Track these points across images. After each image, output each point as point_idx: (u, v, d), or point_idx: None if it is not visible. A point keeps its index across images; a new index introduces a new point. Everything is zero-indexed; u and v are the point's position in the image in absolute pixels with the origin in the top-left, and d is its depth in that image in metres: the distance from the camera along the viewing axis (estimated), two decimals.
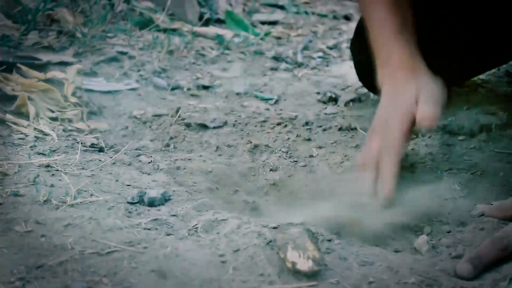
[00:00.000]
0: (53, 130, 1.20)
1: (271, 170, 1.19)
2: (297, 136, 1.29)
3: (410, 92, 1.08)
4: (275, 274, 0.80)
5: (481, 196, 1.04)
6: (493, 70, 1.58)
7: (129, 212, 0.94)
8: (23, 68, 1.37)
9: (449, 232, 0.92)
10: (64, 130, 1.23)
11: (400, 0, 1.17)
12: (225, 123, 1.33)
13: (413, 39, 1.16)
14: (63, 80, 1.37)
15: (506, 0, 1.24)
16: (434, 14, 1.31)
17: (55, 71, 1.41)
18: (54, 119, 1.26)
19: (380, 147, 1.05)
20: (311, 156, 1.22)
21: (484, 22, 1.31)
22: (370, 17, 1.19)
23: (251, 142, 1.24)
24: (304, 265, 0.79)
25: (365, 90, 1.58)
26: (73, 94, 1.37)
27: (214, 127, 1.32)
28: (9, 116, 1.22)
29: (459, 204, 1.01)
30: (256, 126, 1.34)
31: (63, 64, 1.52)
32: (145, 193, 0.99)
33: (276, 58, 1.88)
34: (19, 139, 1.16)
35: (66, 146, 1.15)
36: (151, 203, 0.98)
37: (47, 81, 1.35)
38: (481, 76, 1.55)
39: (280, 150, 1.23)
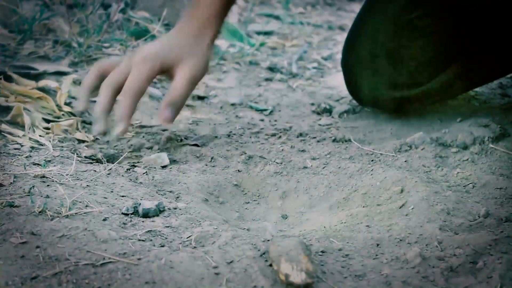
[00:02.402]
0: (48, 141, 1.20)
1: (265, 182, 1.19)
2: (291, 147, 1.30)
3: (182, 46, 1.22)
4: (269, 286, 0.80)
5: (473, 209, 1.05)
6: None
7: (124, 223, 0.95)
8: (14, 76, 1.38)
9: (441, 243, 0.93)
10: (59, 140, 1.23)
11: None
12: (220, 135, 1.34)
13: (223, 14, 1.28)
14: (56, 89, 1.37)
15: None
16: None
17: (47, 80, 1.41)
18: (49, 129, 1.26)
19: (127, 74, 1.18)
20: (305, 167, 1.22)
21: (487, 31, 1.32)
22: None
23: (245, 153, 1.25)
24: (298, 277, 0.80)
25: None
26: (68, 104, 1.38)
27: (209, 139, 1.32)
28: (4, 126, 1.22)
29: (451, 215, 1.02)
30: (250, 137, 1.35)
31: (59, 74, 1.52)
32: (140, 204, 0.99)
33: (271, 69, 1.88)
34: (15, 149, 1.16)
35: (61, 157, 1.15)
36: (146, 214, 0.98)
37: (40, 90, 1.36)
38: (475, 88, 1.56)
39: (274, 161, 1.24)
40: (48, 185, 1.02)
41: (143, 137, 1.31)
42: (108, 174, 1.12)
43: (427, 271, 0.86)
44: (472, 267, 0.88)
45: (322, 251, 0.90)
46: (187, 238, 0.92)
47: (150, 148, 1.27)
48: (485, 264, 0.88)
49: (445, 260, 0.89)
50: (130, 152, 1.24)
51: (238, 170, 1.21)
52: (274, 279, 0.81)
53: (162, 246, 0.89)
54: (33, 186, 0.99)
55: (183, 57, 1.22)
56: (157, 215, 0.99)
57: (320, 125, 1.44)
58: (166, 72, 1.22)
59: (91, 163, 1.17)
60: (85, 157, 1.18)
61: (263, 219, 1.11)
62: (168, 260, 0.83)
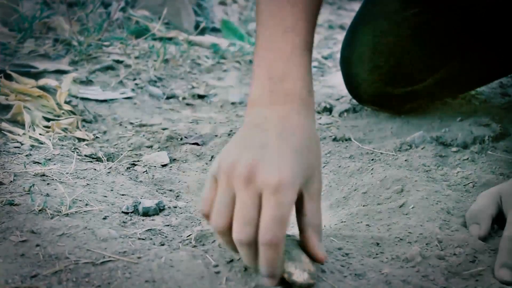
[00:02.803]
0: (48, 139, 1.20)
1: None
2: None
3: (303, 155, 0.81)
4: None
5: None
6: None
7: (124, 222, 0.95)
8: (14, 75, 1.38)
9: (441, 242, 0.93)
10: (59, 139, 1.23)
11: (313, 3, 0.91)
12: (220, 133, 1.34)
13: (310, 61, 0.89)
14: (56, 88, 1.37)
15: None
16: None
17: (47, 79, 1.41)
18: (49, 127, 1.26)
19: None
20: None
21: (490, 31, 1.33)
22: (269, 8, 0.90)
23: None
24: (300, 277, 0.79)
25: None
26: (69, 102, 1.38)
27: (209, 138, 1.32)
28: (4, 125, 1.22)
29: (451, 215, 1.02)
30: None
31: (59, 72, 1.53)
32: (140, 203, 0.99)
33: None
34: (15, 147, 1.16)
35: (61, 155, 1.15)
36: (146, 213, 0.98)
37: (40, 89, 1.36)
38: (476, 88, 1.56)
39: None
40: (48, 184, 1.02)
41: (143, 135, 1.31)
42: (108, 172, 1.12)
43: (427, 270, 0.86)
44: (472, 266, 0.88)
45: None
46: (187, 237, 0.92)
47: (150, 146, 1.27)
48: (484, 263, 0.88)
49: (445, 259, 0.89)
50: (130, 150, 1.24)
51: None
52: None
53: (162, 244, 0.89)
54: (33, 185, 0.99)
55: (311, 172, 0.82)
56: (157, 214, 0.99)
57: (320, 124, 1.44)
58: None
59: (91, 161, 1.17)
60: (85, 155, 1.18)
61: None
62: (168, 259, 0.83)
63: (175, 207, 1.02)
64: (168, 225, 0.95)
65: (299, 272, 0.80)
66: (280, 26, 0.88)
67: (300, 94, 0.85)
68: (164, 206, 1.01)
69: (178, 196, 1.09)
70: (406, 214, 1.01)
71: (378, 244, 0.92)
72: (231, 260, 0.84)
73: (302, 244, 0.83)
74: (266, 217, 0.76)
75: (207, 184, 0.82)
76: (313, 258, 0.82)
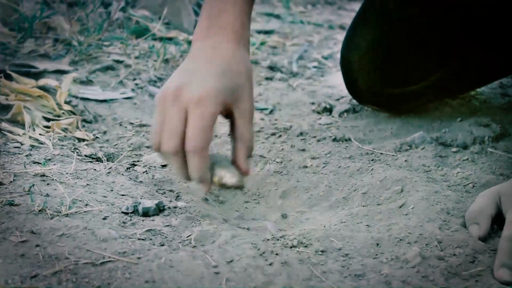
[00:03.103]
0: (48, 139, 1.20)
1: (265, 181, 1.19)
2: (291, 146, 1.30)
3: (233, 76, 0.94)
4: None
5: None
6: None
7: (124, 222, 0.95)
8: (14, 75, 1.38)
9: (440, 242, 0.93)
10: (59, 139, 1.23)
11: None
12: (220, 134, 1.34)
13: (248, 2, 1.01)
14: (56, 88, 1.37)
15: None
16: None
17: (47, 79, 1.41)
18: (49, 127, 1.26)
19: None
20: (305, 166, 1.22)
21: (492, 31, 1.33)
22: None
23: None
24: (230, 180, 0.92)
25: None
26: (69, 102, 1.38)
27: None
28: (4, 125, 1.22)
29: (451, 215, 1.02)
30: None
31: (59, 72, 1.52)
32: (140, 203, 0.99)
33: (271, 68, 1.88)
34: (15, 147, 1.16)
35: (61, 155, 1.15)
36: (146, 213, 0.98)
37: (40, 89, 1.36)
38: (476, 89, 1.56)
39: (274, 161, 1.24)
40: (48, 184, 1.02)
41: (143, 136, 1.31)
42: (108, 173, 1.12)
43: (426, 271, 0.86)
44: (471, 266, 0.88)
45: (322, 251, 0.90)
46: (187, 237, 0.92)
47: (150, 147, 1.26)
48: (484, 263, 0.88)
49: (444, 259, 0.89)
50: (130, 151, 1.24)
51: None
52: (273, 279, 0.81)
53: (162, 245, 0.89)
54: (33, 185, 0.99)
55: (239, 92, 0.94)
56: (157, 214, 0.99)
57: (320, 124, 1.44)
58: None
59: (91, 161, 1.17)
60: (85, 155, 1.18)
61: (263, 218, 1.11)
62: (168, 259, 0.83)
63: (175, 208, 1.02)
64: (168, 226, 0.95)
65: (229, 176, 0.92)
66: None
67: (233, 26, 0.98)
68: (164, 206, 1.01)
69: (178, 196, 1.09)
70: (406, 214, 1.01)
71: (378, 244, 0.92)
72: (231, 261, 0.84)
73: (232, 159, 0.96)
74: (190, 127, 0.89)
75: (154, 116, 0.94)
76: (239, 171, 0.94)
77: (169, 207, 1.01)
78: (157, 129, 0.92)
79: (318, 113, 1.53)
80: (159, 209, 1.00)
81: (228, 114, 0.95)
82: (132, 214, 0.98)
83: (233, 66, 0.95)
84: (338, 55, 2.07)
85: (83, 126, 1.32)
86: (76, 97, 1.41)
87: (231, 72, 0.94)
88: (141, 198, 1.02)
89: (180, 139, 0.90)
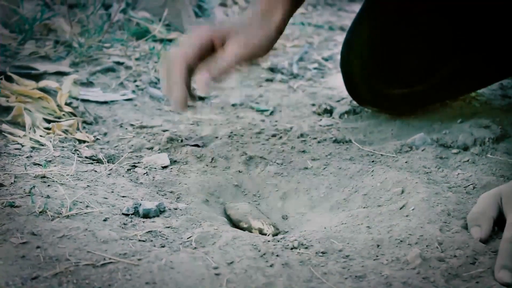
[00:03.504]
0: (49, 141, 1.20)
1: (266, 182, 1.19)
2: (292, 148, 1.30)
3: (242, 22, 1.19)
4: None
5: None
6: None
7: (124, 224, 0.95)
8: (15, 77, 1.38)
9: (441, 244, 0.93)
10: (60, 141, 1.23)
11: None
12: (221, 135, 1.34)
13: None
14: (56, 90, 1.38)
15: None
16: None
17: (48, 80, 1.41)
18: (50, 129, 1.26)
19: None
20: (306, 168, 1.22)
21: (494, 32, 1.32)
22: None
23: (246, 154, 1.25)
24: (269, 230, 1.03)
25: None
26: (69, 104, 1.38)
27: (210, 139, 1.32)
28: (5, 126, 1.22)
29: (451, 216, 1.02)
30: (251, 137, 1.35)
31: (60, 74, 1.53)
32: (140, 204, 0.99)
33: (272, 69, 1.88)
34: (15, 149, 1.16)
35: (62, 157, 1.15)
36: (146, 215, 0.98)
37: (41, 90, 1.36)
38: (476, 90, 1.56)
39: (275, 162, 1.24)
40: (48, 185, 1.02)
41: (144, 137, 1.31)
42: (109, 174, 1.12)
43: (427, 272, 0.86)
44: (472, 268, 0.88)
45: (323, 252, 0.90)
46: (188, 238, 0.92)
47: (151, 148, 1.27)
48: (485, 265, 0.88)
49: (445, 261, 0.89)
50: (130, 152, 1.24)
51: (239, 171, 1.21)
52: (273, 280, 0.81)
53: (163, 246, 0.89)
54: (34, 186, 0.99)
55: (239, 31, 1.16)
56: (158, 216, 0.99)
57: (320, 125, 1.44)
58: (218, 45, 1.16)
59: (92, 163, 1.17)
60: (86, 157, 1.18)
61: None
62: (168, 261, 0.83)
63: (176, 209, 1.02)
64: (168, 227, 0.95)
65: (267, 227, 1.03)
66: None
67: (264, 7, 1.21)
68: (164, 208, 1.01)
69: (178, 198, 1.09)
70: (407, 216, 1.01)
71: (378, 246, 0.92)
72: (232, 262, 0.84)
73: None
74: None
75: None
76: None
77: (169, 209, 1.01)
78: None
79: (319, 114, 1.53)
80: (160, 211, 1.00)
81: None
82: (132, 216, 0.98)
83: (243, 19, 1.20)
84: (339, 57, 2.08)
85: (84, 127, 1.32)
86: (77, 99, 1.41)
87: (240, 22, 1.19)
88: (141, 200, 1.02)
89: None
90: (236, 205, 1.10)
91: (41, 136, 1.23)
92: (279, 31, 1.21)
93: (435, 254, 0.90)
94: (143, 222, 0.96)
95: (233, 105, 1.58)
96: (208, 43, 1.16)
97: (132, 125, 1.37)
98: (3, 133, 1.21)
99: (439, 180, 1.15)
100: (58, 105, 1.34)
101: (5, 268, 0.79)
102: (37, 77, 1.46)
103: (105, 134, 1.32)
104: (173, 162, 1.22)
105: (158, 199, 1.05)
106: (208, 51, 1.17)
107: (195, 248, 0.89)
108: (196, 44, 1.15)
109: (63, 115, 1.33)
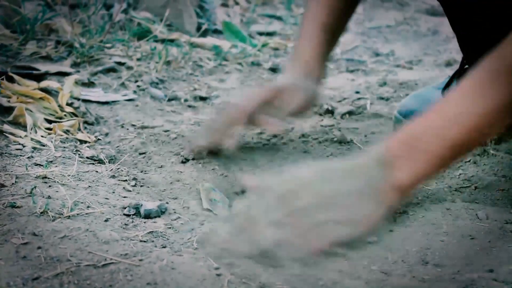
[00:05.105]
0: (50, 141, 1.20)
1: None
2: (293, 148, 1.30)
3: (289, 82, 1.23)
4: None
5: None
6: None
7: (126, 224, 0.95)
8: (16, 77, 1.38)
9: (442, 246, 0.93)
10: (61, 141, 1.23)
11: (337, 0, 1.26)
12: None
13: (330, 39, 1.26)
14: (58, 90, 1.38)
15: None
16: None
17: (49, 81, 1.41)
18: (51, 129, 1.26)
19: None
20: None
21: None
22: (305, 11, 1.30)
23: (247, 154, 1.25)
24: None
25: (361, 102, 1.60)
26: (70, 104, 1.38)
27: None
28: (6, 127, 1.22)
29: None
30: (252, 138, 1.35)
31: (61, 74, 1.53)
32: (142, 205, 0.99)
33: (273, 69, 1.88)
34: (16, 149, 1.16)
35: (63, 157, 1.15)
36: (147, 215, 0.98)
37: (42, 90, 1.36)
38: None
39: (276, 162, 1.24)
40: (50, 186, 1.02)
41: (145, 137, 1.31)
42: (110, 175, 1.12)
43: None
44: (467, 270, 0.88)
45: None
46: (189, 239, 0.92)
47: (152, 149, 1.26)
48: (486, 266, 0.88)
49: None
50: (132, 152, 1.24)
51: (240, 171, 1.21)
52: (275, 281, 0.81)
53: (164, 247, 0.89)
54: (35, 187, 0.99)
55: (292, 91, 1.22)
56: (159, 216, 0.99)
57: (322, 126, 1.44)
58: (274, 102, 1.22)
59: (93, 163, 1.17)
60: (87, 157, 1.18)
61: None
62: (169, 261, 0.83)
63: (177, 210, 1.02)
64: (170, 228, 0.95)
65: None
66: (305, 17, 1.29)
67: (307, 64, 1.24)
68: (165, 208, 1.01)
69: (179, 198, 1.08)
70: None
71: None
72: (232, 262, 0.84)
73: None
74: None
75: None
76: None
77: (173, 209, 1.01)
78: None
79: (320, 115, 1.53)
80: (161, 211, 1.00)
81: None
82: (134, 216, 0.98)
83: (293, 80, 1.23)
84: (340, 57, 2.08)
85: (85, 128, 1.32)
86: (78, 99, 1.41)
87: (290, 83, 1.23)
88: (142, 200, 1.02)
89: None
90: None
91: (42, 136, 1.22)
92: (319, 88, 1.27)
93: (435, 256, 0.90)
94: (144, 222, 0.96)
95: None
96: (266, 100, 1.21)
97: (133, 125, 1.37)
98: (4, 133, 1.20)
99: (440, 181, 1.15)
100: (59, 106, 1.34)
101: (6, 268, 0.79)
102: (39, 78, 1.46)
103: (106, 134, 1.32)
104: (174, 163, 1.21)
105: (159, 200, 1.04)
106: (265, 107, 1.21)
107: (196, 248, 0.89)
108: (256, 99, 1.20)
109: (64, 115, 1.33)
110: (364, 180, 0.81)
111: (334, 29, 1.27)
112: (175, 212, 1.01)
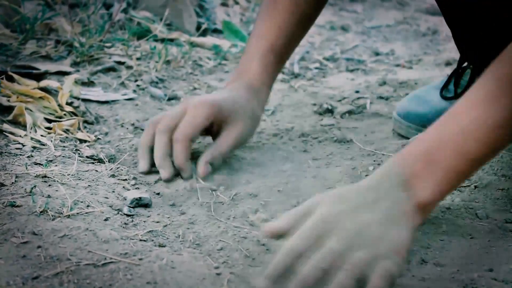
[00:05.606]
0: (50, 140, 1.20)
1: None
2: (293, 147, 1.30)
3: (237, 103, 1.17)
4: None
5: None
6: None
7: (125, 223, 0.95)
8: (16, 76, 1.38)
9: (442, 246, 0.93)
10: (61, 140, 1.23)
11: (288, 22, 1.25)
12: None
13: (277, 62, 1.24)
14: (57, 89, 1.38)
15: None
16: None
17: (49, 80, 1.41)
18: (51, 128, 1.26)
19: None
20: (307, 167, 1.22)
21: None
22: (255, 25, 1.27)
23: (247, 153, 1.25)
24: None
25: (361, 102, 1.60)
26: (70, 103, 1.38)
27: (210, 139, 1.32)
28: (6, 126, 1.22)
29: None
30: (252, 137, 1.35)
31: (61, 73, 1.52)
32: (140, 198, 1.01)
33: None
34: (16, 149, 1.16)
35: (63, 156, 1.15)
36: (146, 204, 1.00)
37: (42, 90, 1.36)
38: None
39: (276, 162, 1.23)
40: (49, 185, 1.02)
41: None
42: (110, 174, 1.12)
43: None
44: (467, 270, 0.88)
45: None
46: (189, 238, 0.92)
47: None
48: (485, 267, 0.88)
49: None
50: (131, 152, 1.24)
51: (241, 170, 1.21)
52: None
53: (164, 246, 0.89)
54: (35, 186, 0.99)
55: (236, 115, 1.17)
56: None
57: (322, 125, 1.44)
58: (214, 124, 1.16)
59: (93, 163, 1.17)
60: (87, 157, 1.18)
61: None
62: (169, 260, 0.83)
63: (177, 209, 1.02)
64: (169, 227, 0.95)
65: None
66: (254, 34, 1.26)
67: (252, 84, 1.22)
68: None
69: (179, 197, 1.08)
70: None
71: None
72: (233, 262, 0.84)
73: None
74: (182, 121, 1.12)
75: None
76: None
77: (173, 210, 1.01)
78: (157, 119, 1.16)
79: (320, 114, 1.53)
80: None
81: (218, 130, 1.17)
82: (134, 216, 0.98)
83: (238, 105, 1.18)
84: (340, 56, 2.08)
85: (85, 127, 1.32)
86: (78, 99, 1.41)
87: (234, 102, 1.17)
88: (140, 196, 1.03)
89: (174, 127, 1.12)
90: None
91: (42, 135, 1.22)
92: (262, 114, 1.26)
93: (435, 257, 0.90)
94: (144, 221, 0.96)
95: None
96: (206, 126, 1.15)
97: (133, 124, 1.37)
98: (4, 132, 1.20)
99: None
100: (59, 105, 1.34)
101: (6, 267, 0.79)
102: (38, 77, 1.46)
103: (106, 133, 1.32)
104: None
105: (159, 199, 1.05)
106: (204, 132, 1.17)
107: (196, 248, 0.89)
108: (198, 126, 1.13)
109: (64, 114, 1.33)
110: (389, 205, 0.79)
111: (283, 51, 1.26)
112: (175, 211, 1.01)
